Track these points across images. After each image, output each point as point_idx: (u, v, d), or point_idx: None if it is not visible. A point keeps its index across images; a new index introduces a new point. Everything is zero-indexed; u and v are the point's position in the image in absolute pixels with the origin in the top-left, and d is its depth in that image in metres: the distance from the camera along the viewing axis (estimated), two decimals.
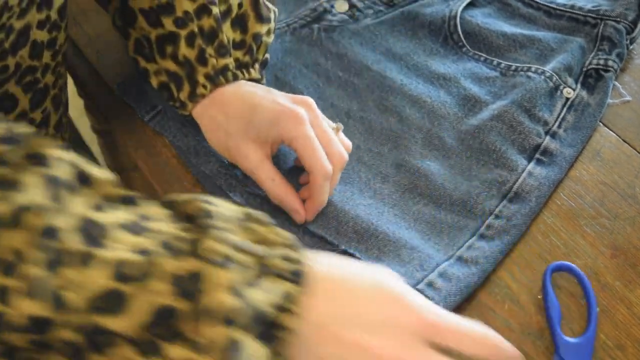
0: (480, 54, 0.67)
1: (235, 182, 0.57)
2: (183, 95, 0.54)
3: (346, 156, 0.54)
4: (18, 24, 0.42)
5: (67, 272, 0.30)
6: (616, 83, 0.67)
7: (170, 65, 0.54)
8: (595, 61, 0.66)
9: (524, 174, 0.59)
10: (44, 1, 0.44)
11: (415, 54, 0.67)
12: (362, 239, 0.54)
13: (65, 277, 0.30)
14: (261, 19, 0.57)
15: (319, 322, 0.36)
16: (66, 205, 0.31)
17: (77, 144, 0.92)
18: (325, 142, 0.52)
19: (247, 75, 0.56)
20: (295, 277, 0.35)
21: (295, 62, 0.65)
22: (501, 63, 0.66)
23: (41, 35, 0.45)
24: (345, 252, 0.53)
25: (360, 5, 0.70)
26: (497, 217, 0.56)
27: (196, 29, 0.53)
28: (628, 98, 0.66)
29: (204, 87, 0.54)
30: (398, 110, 0.63)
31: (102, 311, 0.31)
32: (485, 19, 0.70)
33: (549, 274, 0.53)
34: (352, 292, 0.37)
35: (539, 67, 0.65)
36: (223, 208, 0.36)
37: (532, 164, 0.59)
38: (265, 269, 0.34)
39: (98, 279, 0.30)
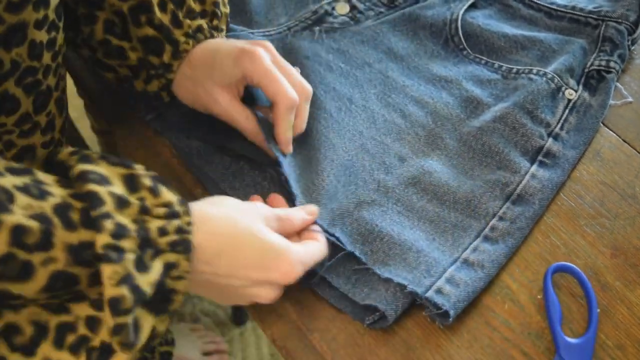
0: (481, 57, 0.67)
1: (238, 184, 0.57)
2: (167, 57, 0.55)
3: (309, 87, 0.56)
4: (10, 18, 0.42)
5: None
6: (618, 84, 0.67)
7: (149, 31, 0.55)
8: (597, 62, 0.66)
9: (527, 176, 0.58)
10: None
11: (417, 55, 0.67)
12: (367, 241, 0.54)
13: None
14: None
15: (200, 279, 0.44)
16: None
17: (77, 144, 0.92)
18: (287, 74, 0.54)
19: (218, 37, 0.58)
20: (179, 247, 0.40)
21: (296, 59, 0.65)
22: (502, 66, 0.66)
23: (40, 36, 0.45)
24: (351, 254, 0.53)
25: (361, 7, 0.70)
26: (501, 218, 0.56)
27: None
28: (630, 99, 0.66)
29: (187, 43, 0.55)
30: (401, 107, 0.63)
31: (6, 278, 0.34)
32: (486, 20, 0.70)
33: (549, 274, 0.53)
34: (233, 259, 0.44)
35: (540, 68, 0.65)
36: (109, 178, 0.40)
37: (535, 166, 0.59)
38: (149, 249, 0.39)
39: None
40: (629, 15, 0.67)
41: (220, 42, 0.56)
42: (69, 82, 0.64)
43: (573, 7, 0.69)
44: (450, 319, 0.50)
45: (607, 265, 0.55)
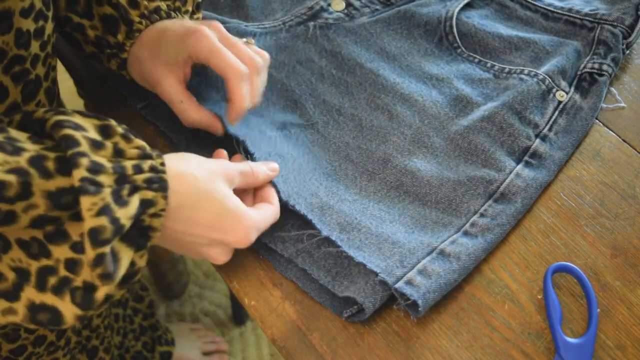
0: (474, 55, 0.67)
1: None
2: (121, 36, 0.56)
3: (259, 60, 0.55)
4: None
5: None
6: (613, 89, 0.67)
7: (107, 9, 0.55)
8: (590, 65, 0.66)
9: (512, 175, 0.59)
10: None
11: (410, 54, 0.68)
12: (345, 231, 0.54)
13: None
14: None
15: (161, 233, 0.45)
16: None
17: None
18: (235, 49, 0.54)
19: (178, 17, 0.58)
20: (155, 184, 0.42)
21: (289, 60, 0.65)
22: (495, 65, 0.66)
23: (26, 24, 0.46)
24: (327, 239, 0.53)
25: (357, 3, 0.70)
26: (482, 215, 0.56)
27: None
28: (622, 104, 0.66)
29: (140, 24, 0.56)
30: (389, 108, 0.63)
31: None
32: (481, 20, 0.70)
33: (549, 274, 0.53)
34: (193, 215, 0.46)
35: (532, 69, 0.65)
36: (83, 124, 0.41)
37: (520, 166, 0.59)
38: (126, 184, 0.41)
39: None
40: (625, 19, 0.67)
41: (170, 22, 0.56)
42: (69, 83, 0.64)
43: (570, 10, 0.69)
44: (420, 310, 0.50)
45: (607, 265, 0.55)
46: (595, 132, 0.64)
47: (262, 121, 0.61)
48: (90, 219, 0.38)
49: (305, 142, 0.61)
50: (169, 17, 0.57)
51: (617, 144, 0.63)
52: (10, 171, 0.37)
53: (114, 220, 0.39)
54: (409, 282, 0.51)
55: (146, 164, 0.42)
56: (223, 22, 0.65)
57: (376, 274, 0.51)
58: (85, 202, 0.38)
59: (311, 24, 0.68)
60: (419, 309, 0.50)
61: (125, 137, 0.43)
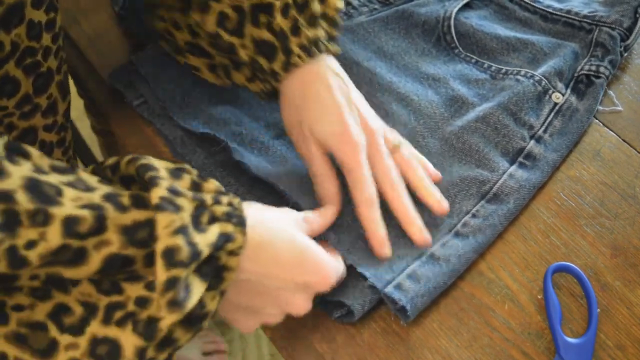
0: (471, 56, 0.67)
1: (219, 173, 0.58)
2: (277, 65, 0.53)
3: (396, 178, 0.53)
4: None
5: (23, 232, 0.32)
6: (610, 92, 0.66)
7: (265, 34, 0.53)
8: (587, 67, 0.66)
9: (505, 176, 0.58)
10: None
11: (407, 53, 0.67)
12: (335, 233, 0.54)
13: (23, 236, 0.32)
14: None
15: (241, 278, 0.42)
16: (9, 172, 0.33)
17: (77, 144, 0.92)
18: (379, 166, 0.53)
19: (332, 48, 0.56)
20: (234, 219, 0.40)
21: None
22: (492, 66, 0.66)
23: (38, 16, 0.45)
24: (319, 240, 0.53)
25: (355, 2, 0.70)
26: (474, 215, 0.56)
27: (290, 0, 0.53)
28: (619, 108, 0.65)
29: (299, 57, 0.53)
30: (384, 107, 0.62)
31: (59, 264, 0.34)
32: (480, 21, 0.70)
33: (549, 275, 0.53)
34: (275, 255, 0.43)
35: (528, 70, 0.65)
36: (159, 162, 0.40)
37: (514, 167, 0.59)
38: (206, 213, 0.38)
39: (53, 237, 0.33)
40: (623, 22, 0.67)
41: (332, 99, 0.53)
42: (70, 83, 0.64)
43: (568, 11, 0.69)
44: (409, 314, 0.50)
45: (607, 265, 0.55)
46: (595, 132, 0.64)
47: (256, 126, 0.61)
48: (165, 237, 0.35)
49: None
50: (326, 49, 0.55)
51: (617, 144, 0.63)
52: (84, 206, 0.34)
53: (192, 244, 0.36)
54: (398, 287, 0.51)
55: (224, 199, 0.40)
56: None
57: (365, 278, 0.51)
58: (163, 219, 0.35)
59: None
60: (408, 313, 0.50)
61: (199, 176, 0.41)
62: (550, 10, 0.70)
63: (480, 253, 0.55)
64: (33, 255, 0.33)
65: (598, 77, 0.65)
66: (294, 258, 0.44)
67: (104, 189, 0.36)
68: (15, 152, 0.34)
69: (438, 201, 0.55)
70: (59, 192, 0.34)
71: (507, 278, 0.54)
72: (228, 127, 0.60)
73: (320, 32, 0.54)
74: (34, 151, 0.36)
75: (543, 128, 0.62)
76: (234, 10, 0.53)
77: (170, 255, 0.35)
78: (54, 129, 0.52)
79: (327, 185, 0.54)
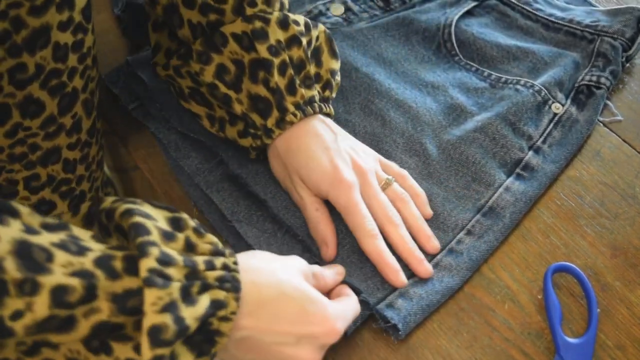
0: (471, 64, 0.67)
1: (212, 179, 0.57)
2: (270, 122, 0.54)
3: (393, 214, 0.54)
4: (33, 21, 0.42)
5: (10, 302, 0.32)
6: (609, 102, 0.66)
7: (261, 90, 0.54)
8: (587, 77, 0.65)
9: (501, 189, 0.58)
10: (64, 1, 0.43)
11: (406, 60, 0.67)
12: None
13: (9, 306, 0.32)
14: (335, 55, 0.58)
15: (242, 335, 0.41)
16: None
17: None
18: (374, 203, 0.53)
19: (326, 109, 0.57)
20: (227, 284, 0.39)
21: None
22: (492, 74, 0.66)
23: (64, 37, 0.45)
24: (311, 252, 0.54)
25: (356, 8, 0.70)
26: (469, 232, 0.56)
27: (287, 59, 0.54)
28: (619, 118, 0.65)
29: (294, 115, 0.54)
30: (382, 113, 0.62)
31: (47, 331, 0.33)
32: (481, 28, 0.69)
33: (549, 274, 0.53)
34: (277, 311, 0.42)
35: (528, 80, 0.64)
36: (155, 213, 0.39)
37: (510, 179, 0.59)
38: (197, 281, 0.38)
39: (40, 308, 0.33)
40: (625, 32, 0.66)
41: (320, 146, 0.54)
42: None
43: (570, 20, 0.68)
44: (401, 333, 0.50)
45: (607, 265, 0.55)
46: (595, 132, 0.64)
47: None
48: (152, 314, 0.35)
49: None
50: (320, 110, 0.55)
51: (617, 144, 0.63)
52: (75, 274, 0.34)
53: (179, 320, 0.36)
54: (390, 305, 0.51)
55: (219, 261, 0.40)
56: None
57: (359, 293, 0.50)
58: (150, 295, 0.35)
59: None
60: (399, 332, 0.50)
61: (196, 232, 0.40)
62: (552, 19, 0.69)
63: (474, 270, 0.54)
64: (18, 326, 0.32)
65: (599, 88, 0.64)
66: (297, 311, 0.43)
67: (97, 249, 0.35)
68: (3, 212, 0.34)
69: (429, 238, 0.55)
70: (49, 257, 0.33)
71: (507, 278, 0.54)
72: None
73: (315, 92, 0.55)
74: (23, 209, 0.35)
75: (542, 139, 0.61)
76: (233, 63, 0.54)
77: (155, 334, 0.35)
78: (77, 147, 0.52)
79: (322, 227, 0.54)
